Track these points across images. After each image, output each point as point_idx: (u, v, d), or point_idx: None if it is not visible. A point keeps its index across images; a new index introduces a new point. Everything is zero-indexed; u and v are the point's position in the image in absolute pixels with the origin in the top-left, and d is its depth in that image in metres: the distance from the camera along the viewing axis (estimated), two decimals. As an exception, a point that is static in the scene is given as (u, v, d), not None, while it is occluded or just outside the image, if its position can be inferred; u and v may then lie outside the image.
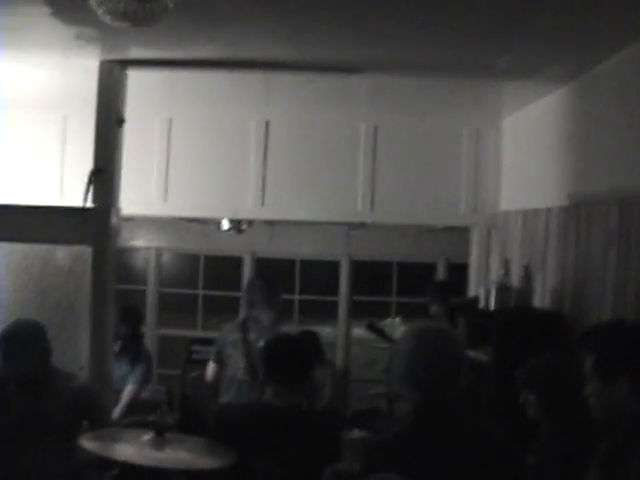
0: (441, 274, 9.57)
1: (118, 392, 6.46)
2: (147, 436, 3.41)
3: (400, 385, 3.16)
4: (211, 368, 6.13)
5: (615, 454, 2.70)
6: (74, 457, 4.09)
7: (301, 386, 3.89)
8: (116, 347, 6.55)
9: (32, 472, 4.01)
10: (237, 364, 5.85)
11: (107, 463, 3.93)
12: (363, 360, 10.17)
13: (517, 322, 5.05)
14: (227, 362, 5.91)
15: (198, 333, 9.47)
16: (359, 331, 9.95)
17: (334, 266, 9.72)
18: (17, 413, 4.04)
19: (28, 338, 4.07)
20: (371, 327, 7.12)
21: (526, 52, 4.55)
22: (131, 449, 3.33)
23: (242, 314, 6.02)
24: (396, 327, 9.61)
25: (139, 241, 9.69)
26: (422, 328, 3.27)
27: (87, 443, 3.44)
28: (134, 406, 6.54)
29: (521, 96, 5.85)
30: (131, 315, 6.94)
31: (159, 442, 3.37)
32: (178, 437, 3.51)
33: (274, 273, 9.73)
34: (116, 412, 6.30)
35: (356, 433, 6.80)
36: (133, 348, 6.81)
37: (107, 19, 3.37)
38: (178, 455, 3.35)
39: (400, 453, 3.00)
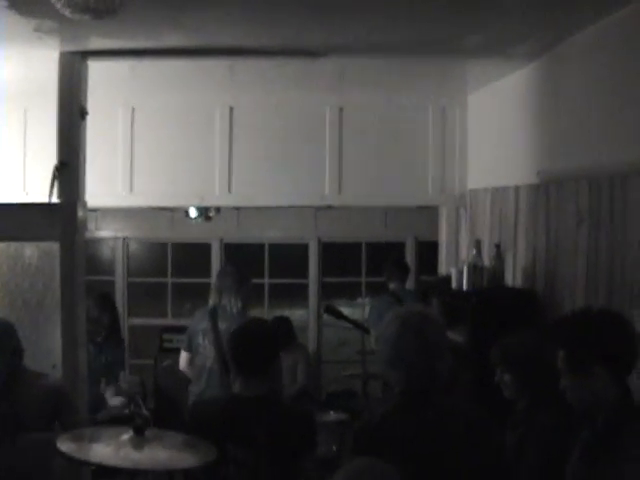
0: (410, 252, 9.59)
1: (99, 381, 6.43)
2: (126, 435, 3.35)
3: (385, 368, 3.19)
4: (183, 357, 6.05)
5: (598, 446, 2.72)
6: (49, 455, 4.06)
7: (268, 374, 3.88)
8: (100, 338, 6.51)
9: (5, 473, 3.95)
10: (206, 353, 5.81)
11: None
12: (335, 342, 10.15)
13: (490, 302, 5.07)
14: (197, 350, 5.87)
15: (169, 321, 9.41)
16: (330, 312, 9.96)
17: (303, 249, 9.71)
18: None
19: None
20: (329, 310, 7.12)
21: (492, 30, 4.53)
22: (108, 450, 3.27)
23: (211, 301, 5.94)
24: (366, 307, 9.61)
25: (105, 231, 9.62)
26: (406, 312, 3.30)
27: (63, 445, 3.37)
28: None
29: (487, 73, 5.84)
30: (110, 303, 6.91)
31: (138, 442, 3.31)
32: (157, 435, 3.44)
33: (243, 258, 9.70)
34: (116, 401, 6.26)
35: (331, 415, 6.83)
36: (115, 336, 6.79)
37: (67, 12, 3.30)
38: (157, 455, 3.30)
39: (387, 435, 3.06)
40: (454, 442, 3.01)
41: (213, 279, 9.58)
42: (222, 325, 5.77)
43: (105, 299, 6.91)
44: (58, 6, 3.22)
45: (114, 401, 6.19)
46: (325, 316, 9.49)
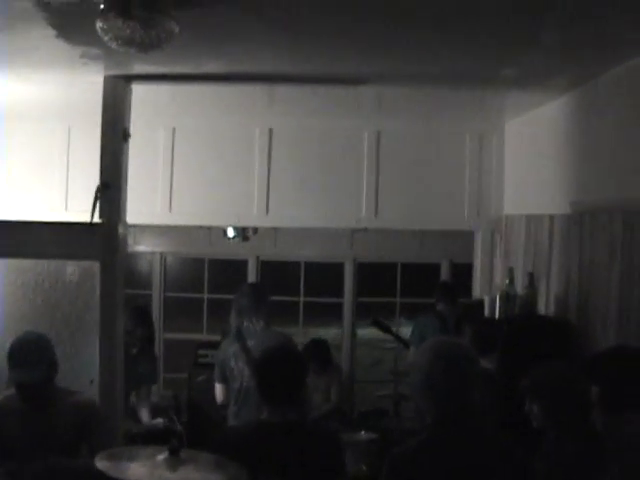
0: (445, 274, 9.61)
1: (129, 393, 6.54)
2: (161, 456, 3.43)
3: (418, 398, 3.23)
4: (219, 390, 5.93)
5: None
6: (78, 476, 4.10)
7: (296, 401, 3.91)
8: (134, 350, 6.61)
9: None
10: (242, 373, 5.80)
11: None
12: (369, 361, 10.17)
13: (522, 330, 5.07)
14: (232, 375, 5.86)
15: (204, 337, 9.47)
16: (364, 332, 9.99)
17: (338, 268, 9.76)
18: (21, 431, 4.01)
19: (37, 350, 4.05)
20: (376, 323, 7.20)
21: (528, 63, 4.56)
22: (144, 470, 3.34)
23: (233, 323, 5.95)
24: (401, 327, 9.63)
25: (143, 246, 9.73)
26: (440, 342, 3.34)
27: (100, 463, 3.45)
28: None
29: (523, 102, 5.87)
30: (147, 317, 7.00)
31: (173, 462, 3.38)
32: (192, 456, 3.51)
33: (278, 276, 9.77)
34: (145, 416, 6.36)
35: (362, 434, 6.87)
36: (149, 350, 6.87)
37: (113, 45, 3.41)
38: (190, 476, 3.36)
39: (421, 465, 3.08)
40: (487, 472, 3.05)
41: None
42: (251, 342, 5.77)
43: (141, 312, 7.00)
44: (106, 39, 3.32)
45: (153, 422, 6.29)
46: (371, 334, 9.55)
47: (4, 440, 4.05)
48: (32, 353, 4.03)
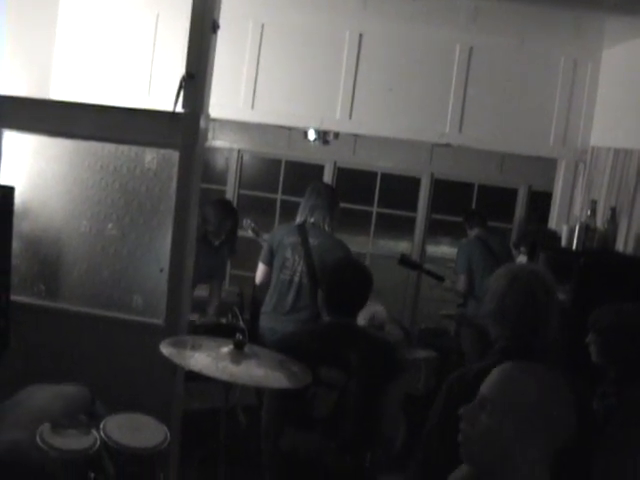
0: (522, 201, 9.48)
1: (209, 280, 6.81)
2: (226, 348, 3.48)
3: (489, 322, 3.19)
4: (261, 270, 6.15)
5: None
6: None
7: (357, 313, 3.98)
8: (217, 242, 6.71)
9: None
10: (295, 267, 5.89)
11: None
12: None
13: (599, 265, 4.98)
14: (283, 264, 5.94)
15: (274, 237, 9.49)
16: (434, 249, 9.94)
17: (415, 182, 9.67)
18: None
19: None
20: (403, 260, 7.19)
21: (638, -12, 4.38)
22: (208, 360, 3.39)
23: (300, 217, 6.02)
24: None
25: (221, 141, 9.73)
26: (519, 269, 3.28)
27: (165, 349, 3.50)
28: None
29: (625, 30, 5.65)
30: (233, 211, 7.07)
31: (237, 356, 3.43)
32: (255, 352, 3.56)
33: (354, 184, 9.72)
34: (213, 309, 6.51)
35: (420, 352, 6.89)
36: (231, 243, 6.96)
37: None
38: (252, 371, 3.41)
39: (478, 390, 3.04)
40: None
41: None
42: (314, 241, 5.85)
43: (229, 205, 7.10)
44: None
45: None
46: (430, 250, 9.51)
47: None
48: None
